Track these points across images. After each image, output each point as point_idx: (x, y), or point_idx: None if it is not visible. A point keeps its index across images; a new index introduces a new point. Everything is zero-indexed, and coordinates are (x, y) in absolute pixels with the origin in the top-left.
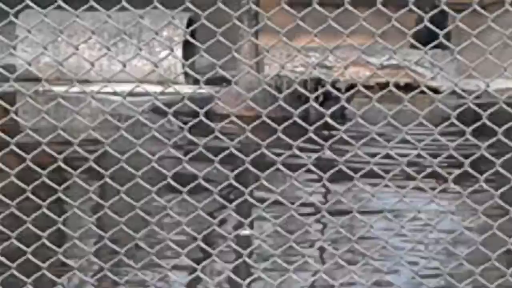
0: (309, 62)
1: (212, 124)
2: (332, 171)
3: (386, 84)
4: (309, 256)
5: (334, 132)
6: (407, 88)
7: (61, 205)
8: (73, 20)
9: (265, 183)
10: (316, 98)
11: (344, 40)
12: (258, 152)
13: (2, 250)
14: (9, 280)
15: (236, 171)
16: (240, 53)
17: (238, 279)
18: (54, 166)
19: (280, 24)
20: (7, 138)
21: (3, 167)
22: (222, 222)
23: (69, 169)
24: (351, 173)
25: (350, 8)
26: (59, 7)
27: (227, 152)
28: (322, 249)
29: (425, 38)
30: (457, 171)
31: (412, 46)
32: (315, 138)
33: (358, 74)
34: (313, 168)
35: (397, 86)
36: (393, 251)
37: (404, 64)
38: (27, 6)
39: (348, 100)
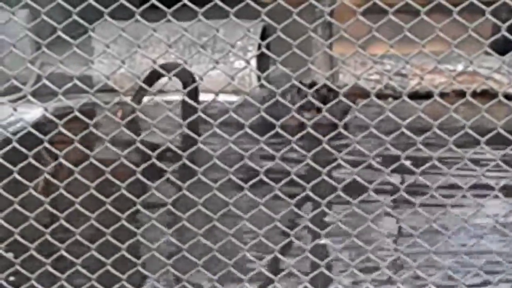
0: (384, 70)
1: (286, 135)
2: (408, 182)
3: (462, 91)
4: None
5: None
6: (484, 95)
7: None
8: (150, 34)
9: (342, 194)
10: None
11: (420, 51)
12: (335, 163)
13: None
14: None
15: (313, 182)
16: (314, 63)
17: None
18: (133, 178)
19: (354, 31)
20: (87, 151)
21: (83, 179)
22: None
23: (147, 181)
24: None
25: (426, 18)
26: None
27: (304, 163)
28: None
29: (501, 44)
30: None
31: (487, 52)
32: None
33: (433, 82)
34: (390, 179)
35: (473, 93)
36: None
37: (480, 71)
38: (104, 19)
39: (346, 109)
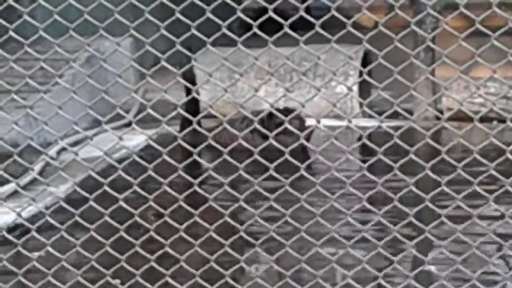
0: (489, 93)
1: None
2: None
3: None
4: None
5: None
6: None
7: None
8: (252, 63)
9: (445, 220)
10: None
11: None
12: (438, 190)
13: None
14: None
15: (417, 209)
16: (416, 88)
17: None
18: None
19: (456, 54)
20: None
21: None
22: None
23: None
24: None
25: None
26: (235, 43)
27: (407, 189)
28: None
29: None
30: None
31: None
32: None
33: None
34: (495, 206)
35: None
36: None
37: None
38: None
39: (309, 135)
